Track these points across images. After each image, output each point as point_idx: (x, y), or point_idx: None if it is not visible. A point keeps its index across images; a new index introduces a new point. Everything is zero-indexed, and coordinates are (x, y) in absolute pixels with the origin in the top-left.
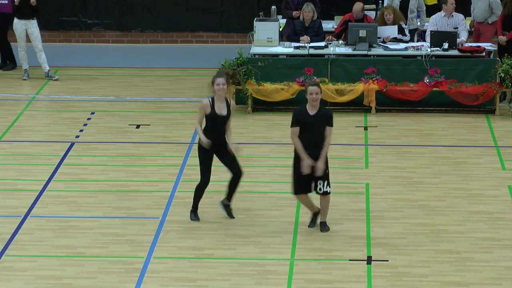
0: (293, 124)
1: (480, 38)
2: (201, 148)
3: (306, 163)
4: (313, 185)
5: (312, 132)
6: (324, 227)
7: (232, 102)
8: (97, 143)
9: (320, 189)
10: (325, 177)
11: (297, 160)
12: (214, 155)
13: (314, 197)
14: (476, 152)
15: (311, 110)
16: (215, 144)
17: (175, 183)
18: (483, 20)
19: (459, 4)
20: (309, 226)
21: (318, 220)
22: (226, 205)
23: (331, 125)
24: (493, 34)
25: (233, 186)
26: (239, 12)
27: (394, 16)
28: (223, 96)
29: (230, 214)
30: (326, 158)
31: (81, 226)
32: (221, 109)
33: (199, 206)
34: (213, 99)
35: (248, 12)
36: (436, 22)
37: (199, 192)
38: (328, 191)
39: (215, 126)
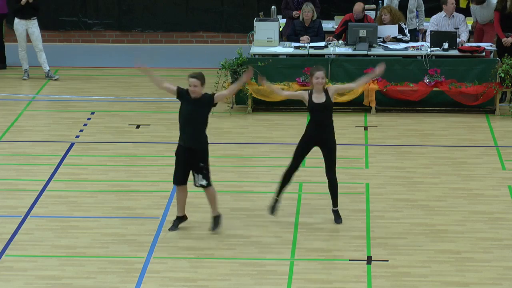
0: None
1: (484, 36)
2: (304, 137)
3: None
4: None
5: (191, 116)
6: (215, 225)
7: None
8: (97, 143)
9: (196, 181)
10: (201, 171)
11: (178, 150)
12: (315, 148)
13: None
14: (476, 152)
15: (192, 94)
16: (316, 136)
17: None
18: (488, 21)
19: (459, 4)
20: (169, 229)
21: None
22: (333, 211)
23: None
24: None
25: (330, 192)
26: (239, 12)
27: (391, 16)
28: (321, 88)
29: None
30: (205, 156)
31: (81, 226)
32: (318, 99)
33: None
34: (311, 92)
35: (248, 12)
36: (436, 22)
37: (284, 178)
38: (204, 184)
39: (315, 117)
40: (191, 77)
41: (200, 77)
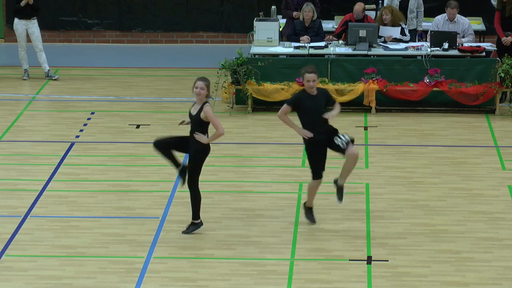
0: (288, 103)
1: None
2: (311, 144)
3: (303, 132)
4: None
5: (314, 111)
6: (340, 194)
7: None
8: (97, 143)
9: (342, 144)
10: (339, 135)
11: (307, 144)
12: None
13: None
14: (476, 152)
15: (311, 92)
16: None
17: (175, 183)
18: None
19: (462, 5)
20: (306, 217)
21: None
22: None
23: (333, 101)
24: None
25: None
26: (239, 12)
27: (392, 16)
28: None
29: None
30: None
31: (81, 226)
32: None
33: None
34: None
35: (248, 12)
36: (437, 24)
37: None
38: (350, 139)
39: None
40: (308, 72)
41: (316, 71)
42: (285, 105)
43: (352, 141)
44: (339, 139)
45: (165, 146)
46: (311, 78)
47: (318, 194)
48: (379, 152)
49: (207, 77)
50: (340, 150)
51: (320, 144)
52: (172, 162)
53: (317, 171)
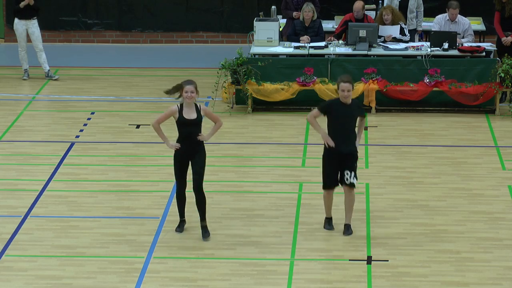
0: (318, 108)
1: None
2: (329, 153)
3: (326, 138)
4: (340, 177)
5: (344, 120)
6: (347, 230)
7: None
8: (97, 143)
9: (347, 179)
10: (353, 169)
11: (326, 153)
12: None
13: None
14: (476, 152)
15: (345, 102)
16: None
17: (175, 183)
18: None
19: (462, 5)
20: (324, 227)
21: (332, 223)
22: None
23: (362, 114)
24: None
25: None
26: (239, 12)
27: (393, 16)
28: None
29: None
30: (357, 153)
31: (81, 226)
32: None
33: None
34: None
35: (248, 12)
36: (439, 23)
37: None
38: (354, 183)
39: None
40: (344, 82)
41: (351, 80)
42: (315, 109)
43: (354, 185)
44: (348, 173)
45: (183, 195)
46: (345, 88)
47: (318, 194)
48: (379, 152)
49: (193, 79)
50: (342, 180)
51: (337, 156)
52: (181, 211)
53: (326, 182)
